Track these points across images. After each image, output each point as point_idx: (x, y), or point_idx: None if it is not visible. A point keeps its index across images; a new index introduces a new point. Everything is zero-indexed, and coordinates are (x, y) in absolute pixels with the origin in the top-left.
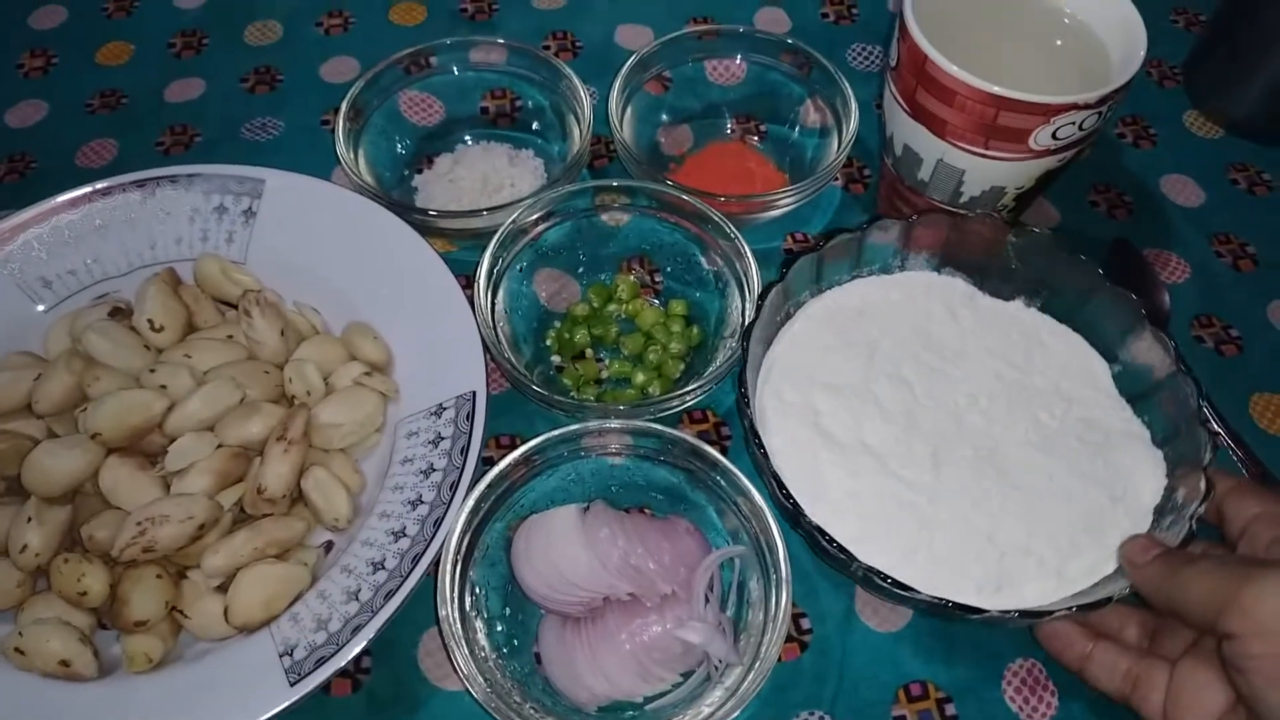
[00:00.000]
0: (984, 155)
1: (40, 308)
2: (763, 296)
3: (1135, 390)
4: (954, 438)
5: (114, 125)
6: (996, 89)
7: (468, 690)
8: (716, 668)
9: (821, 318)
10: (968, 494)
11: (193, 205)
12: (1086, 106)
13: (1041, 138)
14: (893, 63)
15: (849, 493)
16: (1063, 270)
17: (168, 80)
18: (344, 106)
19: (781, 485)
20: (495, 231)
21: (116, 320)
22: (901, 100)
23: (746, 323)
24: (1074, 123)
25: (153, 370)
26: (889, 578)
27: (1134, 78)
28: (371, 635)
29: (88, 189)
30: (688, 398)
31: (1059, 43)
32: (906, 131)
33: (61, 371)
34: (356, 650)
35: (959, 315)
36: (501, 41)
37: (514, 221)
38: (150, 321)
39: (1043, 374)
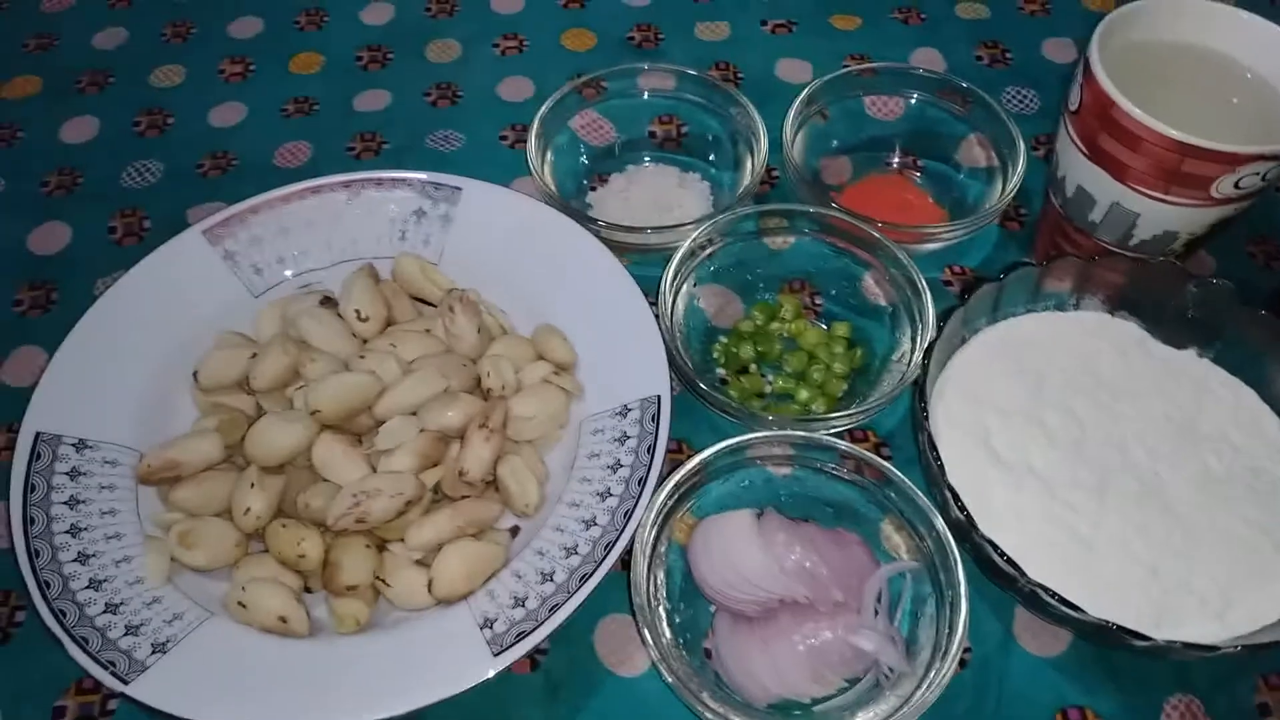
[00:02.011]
0: (1163, 200)
1: (251, 291)
2: (944, 318)
3: None
4: (1119, 470)
5: (307, 129)
6: (1187, 136)
7: (657, 672)
8: (887, 676)
9: (995, 345)
10: (1131, 524)
11: (394, 207)
12: (1274, 158)
13: (1224, 186)
14: (1073, 106)
15: (1014, 510)
16: (1241, 323)
17: (356, 90)
18: (535, 124)
19: (956, 497)
20: (662, 248)
21: (325, 309)
22: (1081, 143)
23: (926, 343)
24: (1258, 173)
25: (362, 357)
26: (1056, 594)
27: None
28: (568, 614)
29: (300, 186)
30: (858, 416)
31: (1235, 100)
32: (1083, 173)
33: (278, 352)
34: (554, 627)
35: (1130, 358)
36: (674, 68)
37: (693, 240)
38: (357, 311)
39: (1211, 421)
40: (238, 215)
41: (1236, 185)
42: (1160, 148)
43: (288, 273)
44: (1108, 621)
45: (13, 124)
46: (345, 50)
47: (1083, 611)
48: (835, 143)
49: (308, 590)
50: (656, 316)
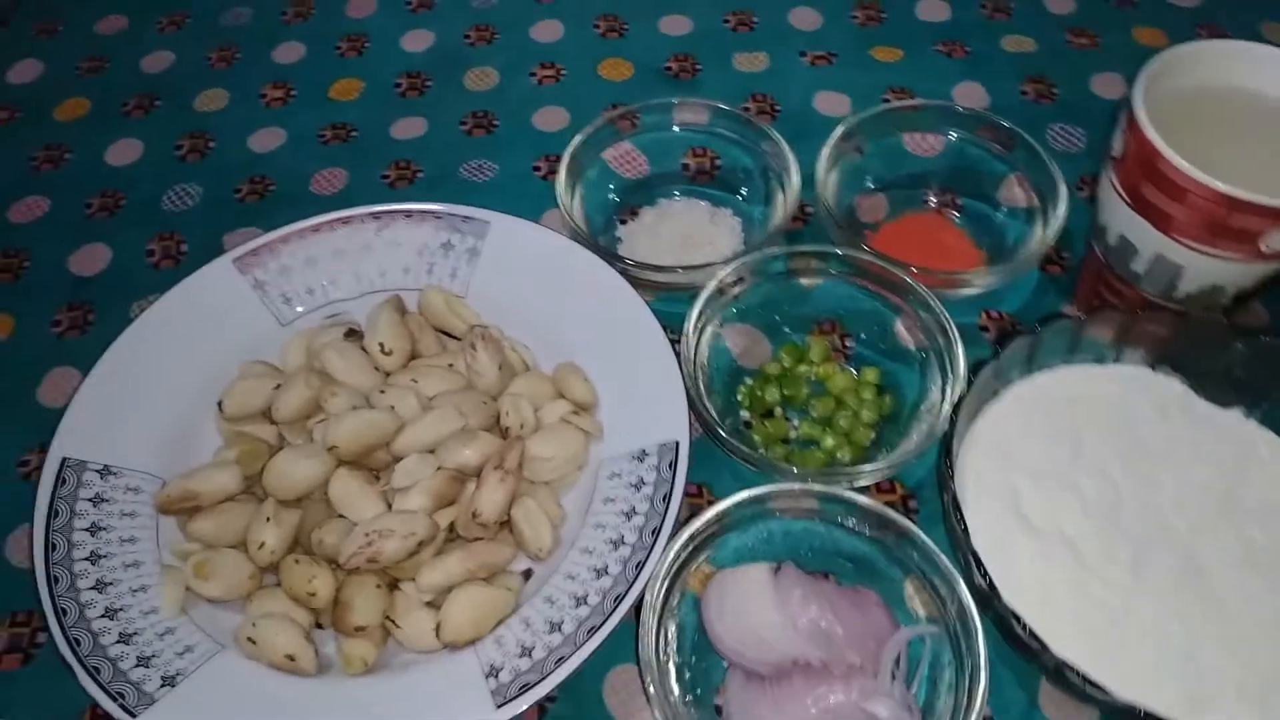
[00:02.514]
0: (1208, 254)
1: (279, 320)
2: (975, 371)
3: None
4: (1157, 543)
5: (344, 156)
6: (1234, 190)
7: None
8: None
9: (1029, 400)
10: (1167, 604)
11: (423, 239)
12: None
13: (1274, 241)
14: (1116, 153)
15: (1041, 581)
16: None
17: (393, 118)
18: (566, 158)
19: (979, 564)
20: (690, 287)
21: (350, 341)
22: (1123, 192)
23: (956, 396)
24: None
25: (383, 391)
26: (1081, 674)
27: None
28: (574, 667)
29: (330, 216)
30: (883, 470)
31: None
32: (1125, 223)
33: (300, 385)
34: (559, 680)
35: (1171, 417)
36: (708, 102)
37: (719, 280)
38: (381, 345)
39: (1258, 490)
40: (268, 245)
41: None
42: (1206, 200)
43: (317, 303)
44: (1137, 706)
45: (61, 145)
46: (385, 76)
47: (1110, 693)
48: (871, 179)
49: (319, 626)
50: (679, 356)
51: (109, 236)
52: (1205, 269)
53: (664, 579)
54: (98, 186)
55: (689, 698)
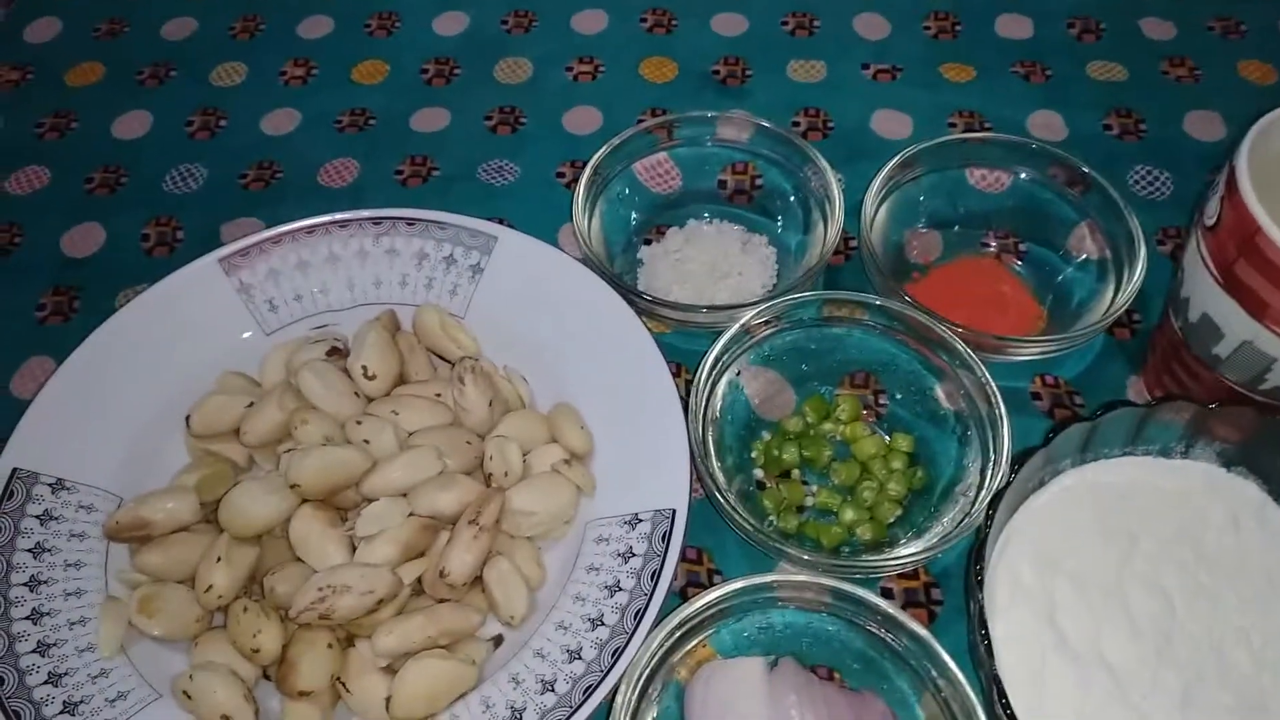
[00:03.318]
0: None
1: (263, 328)
2: (1019, 461)
3: None
4: (1213, 677)
5: (358, 145)
6: None
7: None
8: None
9: (1080, 494)
10: None
11: (424, 251)
12: None
13: None
14: (1210, 221)
15: (1073, 713)
16: None
17: (415, 107)
18: (586, 173)
19: (1003, 695)
20: (711, 325)
21: (332, 360)
22: (1213, 266)
23: (996, 487)
24: None
25: (359, 422)
26: None
27: None
28: None
29: (327, 219)
30: (905, 564)
31: None
32: (1211, 301)
33: (273, 407)
34: None
35: (1242, 526)
36: (751, 119)
37: (743, 325)
38: (365, 368)
39: None
40: (258, 245)
41: None
42: None
43: (305, 312)
44: None
45: (70, 112)
46: (412, 61)
47: None
48: (925, 215)
49: (266, 677)
50: (689, 404)
51: (105, 216)
52: None
53: (643, 670)
54: (101, 161)
55: None
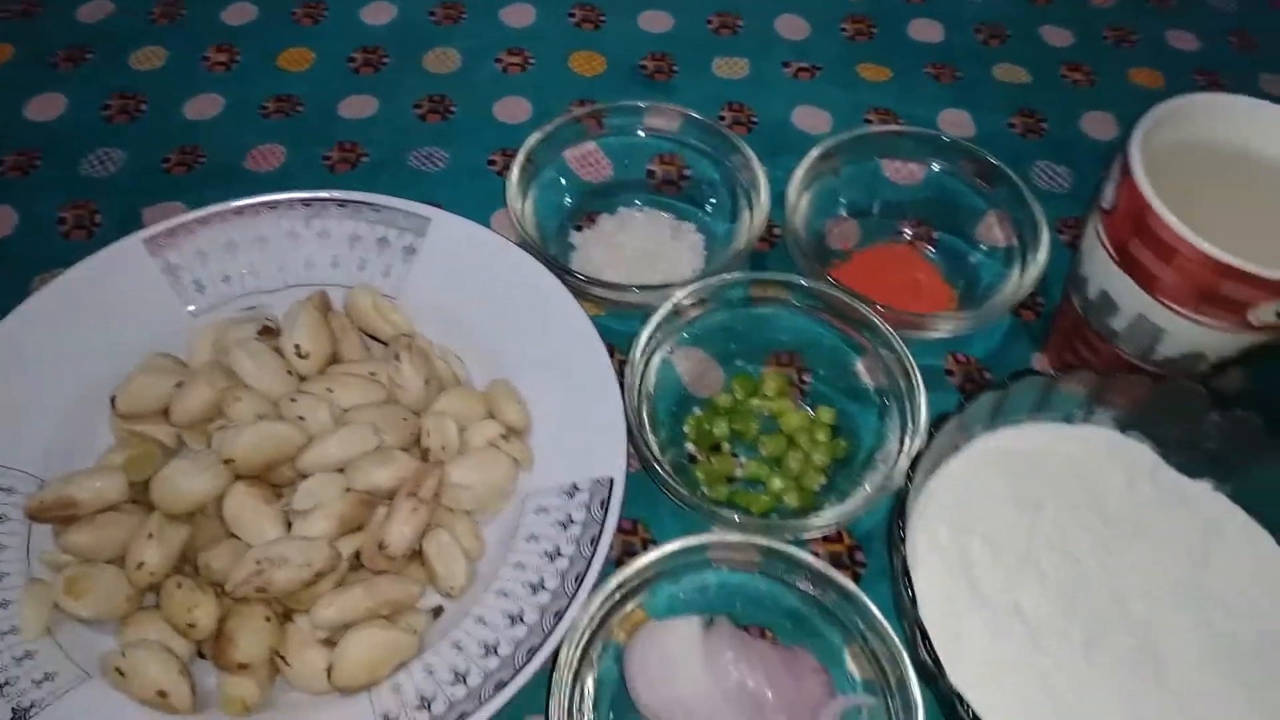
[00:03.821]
0: (1193, 320)
1: (189, 309)
2: (936, 427)
3: None
4: (1115, 624)
5: (285, 131)
6: (1228, 257)
7: None
8: None
9: (991, 458)
10: (1119, 691)
11: (356, 232)
12: None
13: (1264, 314)
14: (1106, 204)
15: (991, 660)
16: (1268, 462)
17: (343, 94)
18: (520, 156)
19: (926, 639)
20: (643, 306)
21: (264, 340)
22: (1110, 245)
23: (915, 449)
24: None
25: (294, 399)
26: None
27: None
28: None
29: (257, 200)
30: (829, 526)
31: None
32: (1108, 278)
33: (203, 385)
34: None
35: (1137, 487)
36: (680, 109)
37: (674, 304)
38: (297, 347)
39: (1224, 574)
40: (185, 225)
41: (1278, 314)
42: (1197, 264)
43: (233, 293)
44: None
45: None
46: (339, 49)
47: None
48: (845, 205)
49: (201, 656)
50: (623, 384)
51: (17, 199)
52: (1188, 335)
53: (584, 631)
54: (13, 144)
55: None
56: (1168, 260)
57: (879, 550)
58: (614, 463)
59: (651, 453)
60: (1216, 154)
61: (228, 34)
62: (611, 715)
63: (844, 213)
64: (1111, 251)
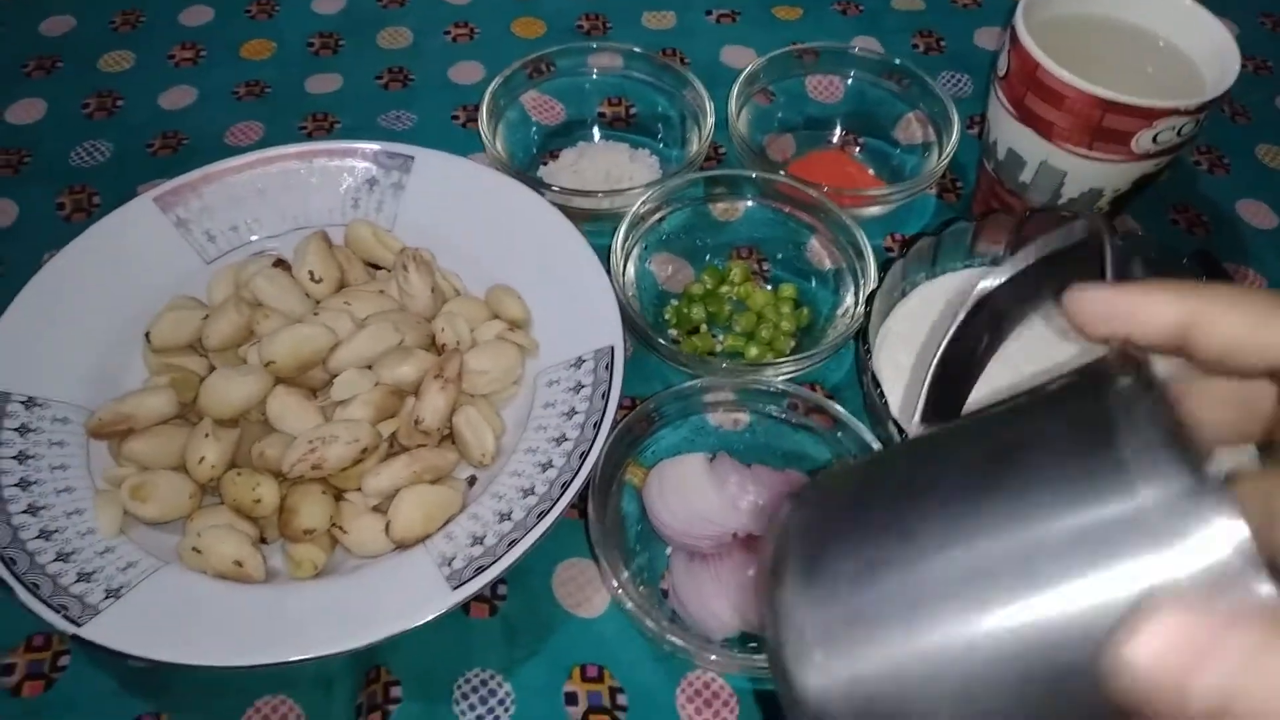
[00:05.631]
0: (1087, 157)
1: (203, 259)
2: (884, 269)
3: None
4: None
5: (259, 110)
6: (1106, 92)
7: (617, 604)
8: None
9: (934, 299)
10: None
11: (347, 176)
12: (1186, 112)
13: (1143, 141)
14: (1001, 72)
15: None
16: (1159, 272)
17: (307, 73)
18: (486, 98)
19: (901, 430)
20: (615, 217)
21: (279, 270)
22: (1010, 105)
23: (868, 290)
24: (1174, 128)
25: (315, 314)
26: None
27: (1229, 90)
28: (527, 548)
29: (253, 156)
30: (805, 363)
31: (1150, 69)
32: (1012, 135)
33: (231, 311)
34: (513, 560)
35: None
36: (622, 47)
37: (641, 204)
38: (310, 273)
39: None
40: (189, 184)
41: (1155, 140)
42: (1082, 104)
43: (241, 240)
44: None
45: None
46: (296, 37)
47: None
48: (779, 121)
49: (263, 541)
50: (610, 275)
51: (15, 193)
52: (1085, 172)
53: (607, 464)
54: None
55: (637, 583)
56: (1058, 105)
57: (849, 397)
58: (612, 332)
59: (645, 321)
60: (1088, 24)
61: (189, 34)
62: (638, 548)
63: (778, 128)
64: (1011, 109)
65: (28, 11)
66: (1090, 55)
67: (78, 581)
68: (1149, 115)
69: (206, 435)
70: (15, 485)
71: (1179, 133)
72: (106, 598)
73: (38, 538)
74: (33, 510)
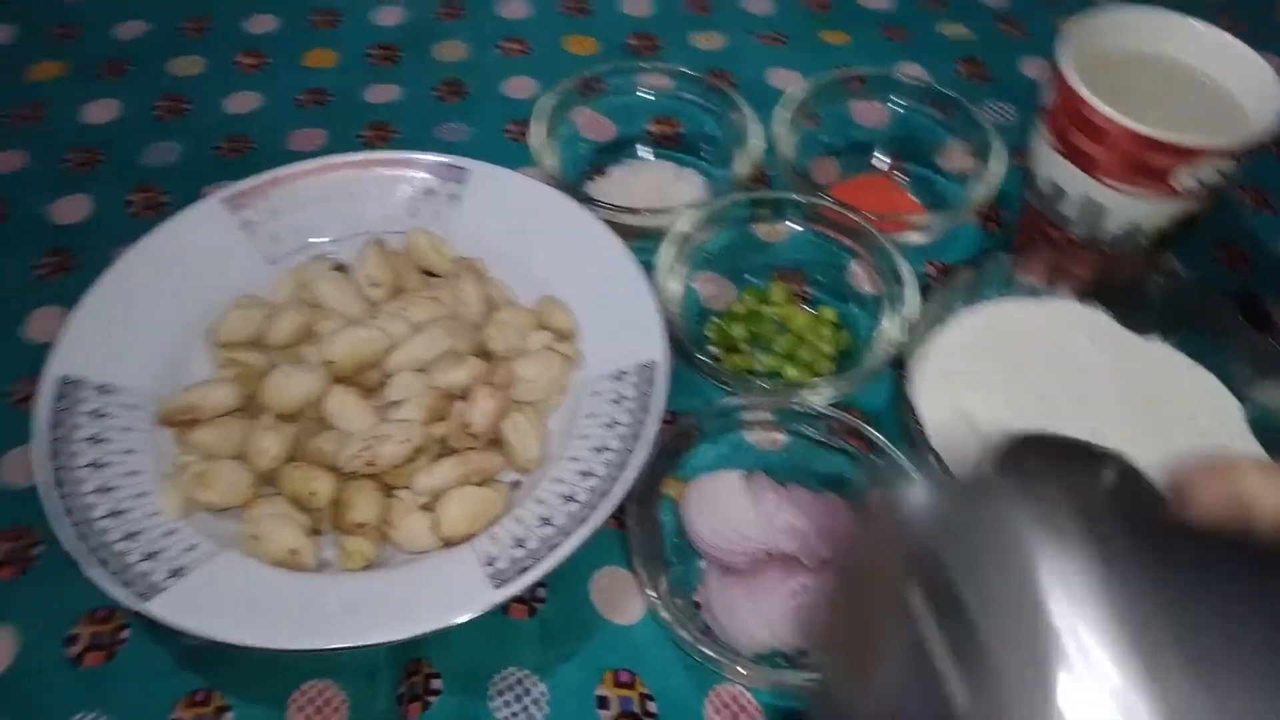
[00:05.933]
0: (1128, 193)
1: (266, 260)
2: (924, 295)
3: (1266, 434)
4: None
5: (321, 117)
6: (1145, 129)
7: (653, 612)
8: None
9: (974, 327)
10: None
11: (405, 186)
12: (1228, 152)
13: (1185, 180)
14: (1046, 105)
15: None
16: (1202, 312)
17: (367, 83)
18: (537, 114)
19: (939, 460)
20: (660, 235)
21: (339, 274)
22: (1053, 139)
23: (909, 318)
24: (1216, 168)
25: (373, 318)
26: None
27: (1272, 130)
28: (567, 552)
29: (318, 163)
30: (844, 385)
31: (1193, 105)
32: (1054, 168)
33: (293, 311)
34: (554, 563)
35: (1099, 344)
36: (671, 68)
37: (686, 223)
38: (369, 277)
39: (1178, 405)
40: (257, 187)
41: (1197, 180)
42: (1123, 140)
43: (302, 243)
44: None
45: (37, 102)
46: (357, 47)
47: None
48: (823, 145)
49: (316, 533)
50: (654, 291)
51: (88, 187)
52: (1126, 208)
53: (644, 482)
54: (74, 142)
55: (672, 594)
56: (1100, 140)
57: (886, 424)
58: (655, 348)
59: (687, 340)
60: (1135, 61)
61: (254, 42)
62: (674, 559)
63: (823, 151)
64: (1055, 143)
65: (102, 15)
66: (1135, 91)
67: (143, 560)
68: (1189, 154)
69: (268, 428)
70: (88, 465)
71: (1220, 173)
72: (170, 576)
73: (106, 517)
74: (102, 490)
